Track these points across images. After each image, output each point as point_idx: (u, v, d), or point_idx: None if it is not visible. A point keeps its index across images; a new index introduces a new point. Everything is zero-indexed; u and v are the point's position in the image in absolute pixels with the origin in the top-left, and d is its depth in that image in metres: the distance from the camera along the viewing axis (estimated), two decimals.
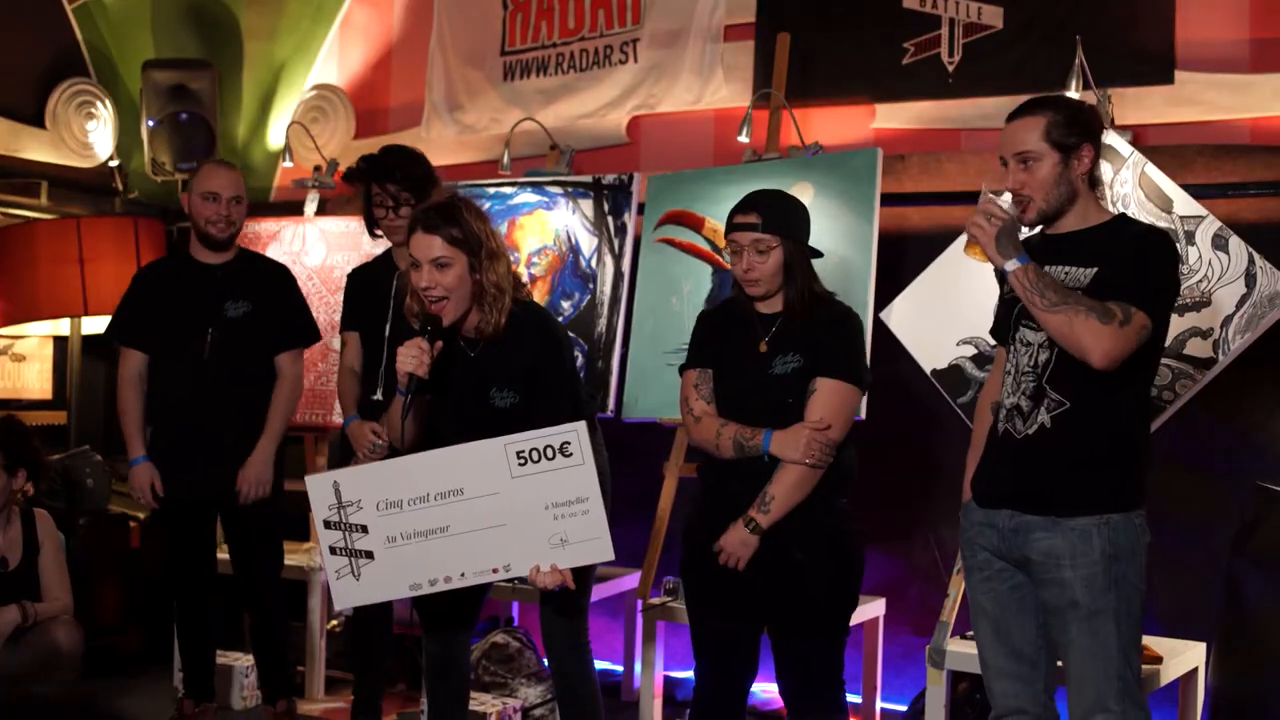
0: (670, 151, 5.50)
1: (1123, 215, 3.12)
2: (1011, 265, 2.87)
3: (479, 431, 3.22)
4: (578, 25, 5.76)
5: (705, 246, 4.78)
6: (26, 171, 6.10)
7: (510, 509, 3.11)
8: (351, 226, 5.47)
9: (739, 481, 3.34)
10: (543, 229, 5.07)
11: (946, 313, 4.17)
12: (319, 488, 3.19)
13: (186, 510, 4.37)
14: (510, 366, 3.39)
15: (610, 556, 3.13)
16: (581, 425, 3.07)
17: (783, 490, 3.27)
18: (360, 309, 4.34)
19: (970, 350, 4.15)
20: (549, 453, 3.08)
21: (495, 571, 3.17)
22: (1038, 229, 3.10)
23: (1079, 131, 2.97)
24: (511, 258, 5.07)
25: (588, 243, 5.00)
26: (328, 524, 3.19)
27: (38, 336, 6.19)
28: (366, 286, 4.32)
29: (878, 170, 4.42)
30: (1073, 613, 2.95)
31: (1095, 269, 2.92)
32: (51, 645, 4.25)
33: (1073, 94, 4.35)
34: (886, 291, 4.36)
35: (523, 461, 3.08)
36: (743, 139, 4.94)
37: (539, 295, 4.92)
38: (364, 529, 3.17)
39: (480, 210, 3.40)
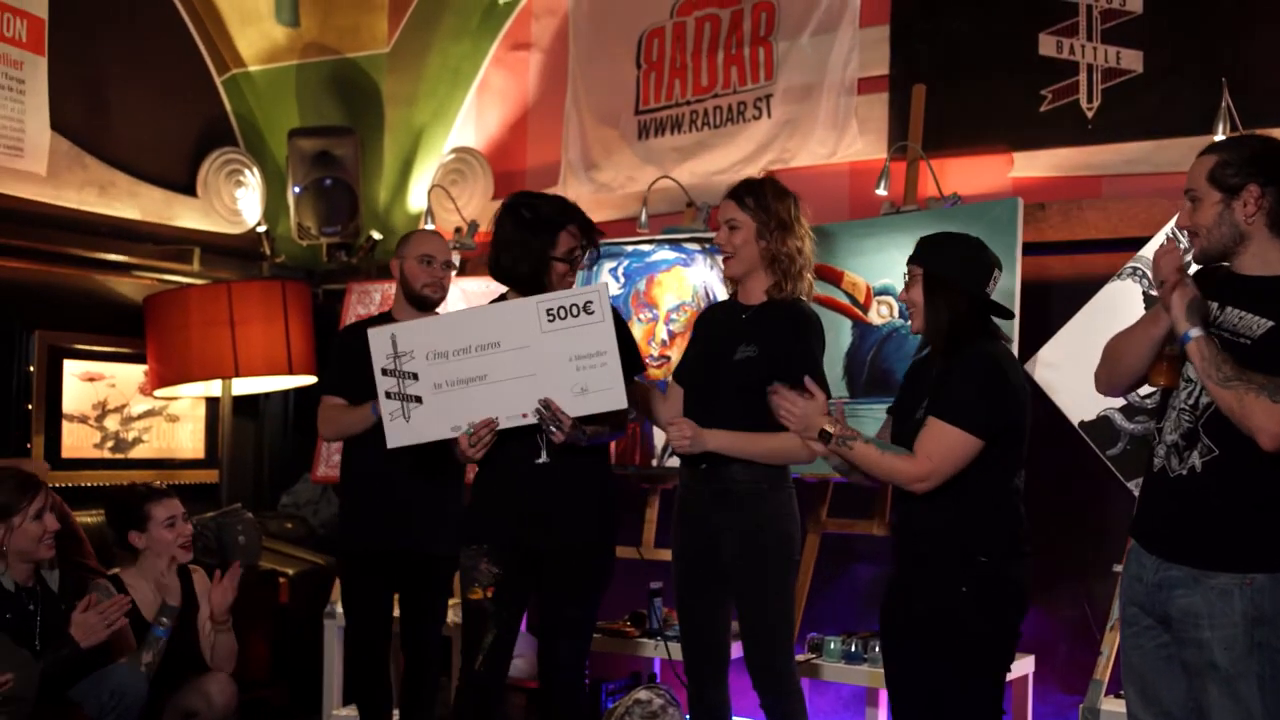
0: (806, 205, 5.47)
1: None
2: (1195, 333, 2.82)
3: (715, 377, 3.71)
4: (711, 83, 5.81)
5: (844, 300, 4.76)
6: (180, 239, 6.33)
7: (539, 361, 3.49)
8: (492, 287, 5.51)
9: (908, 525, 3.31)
10: (681, 286, 5.10)
11: (1093, 363, 4.07)
12: (379, 339, 3.59)
13: (372, 561, 4.44)
14: (758, 329, 3.72)
15: (624, 405, 3.50)
16: (603, 286, 3.57)
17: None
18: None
19: (1119, 401, 4.06)
20: (574, 310, 3.45)
21: (524, 417, 3.52)
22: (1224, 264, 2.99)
23: (1248, 172, 2.86)
24: (650, 314, 5.17)
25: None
26: (384, 371, 3.60)
27: (190, 398, 6.37)
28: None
29: (1019, 219, 4.37)
30: (1212, 675, 2.84)
31: (1272, 323, 2.83)
32: (205, 697, 4.34)
33: (1219, 136, 4.26)
34: (1031, 342, 4.30)
35: (551, 318, 3.46)
36: (881, 192, 4.92)
37: (678, 352, 4.93)
38: (415, 376, 3.57)
39: (784, 191, 3.85)
